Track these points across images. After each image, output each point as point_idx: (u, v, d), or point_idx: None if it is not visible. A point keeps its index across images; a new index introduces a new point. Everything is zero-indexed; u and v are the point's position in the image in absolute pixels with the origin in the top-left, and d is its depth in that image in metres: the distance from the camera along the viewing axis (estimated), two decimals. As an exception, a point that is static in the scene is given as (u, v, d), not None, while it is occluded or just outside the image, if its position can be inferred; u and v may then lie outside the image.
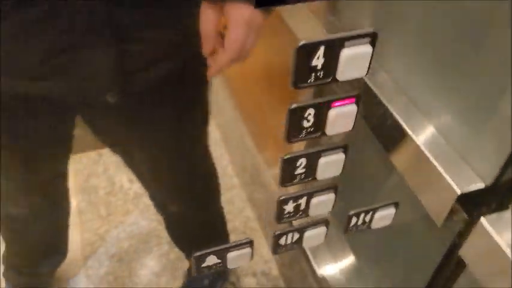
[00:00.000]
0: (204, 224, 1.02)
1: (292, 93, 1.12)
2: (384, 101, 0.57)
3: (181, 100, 0.74)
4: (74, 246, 1.25)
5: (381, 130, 0.59)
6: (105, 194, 1.37)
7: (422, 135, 0.54)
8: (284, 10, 0.86)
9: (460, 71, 0.50)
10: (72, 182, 1.41)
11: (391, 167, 0.67)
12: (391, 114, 0.56)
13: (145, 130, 0.75)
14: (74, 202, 1.36)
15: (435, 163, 0.51)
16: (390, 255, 0.79)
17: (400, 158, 0.57)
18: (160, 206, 0.98)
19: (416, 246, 0.69)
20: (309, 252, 0.99)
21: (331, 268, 0.95)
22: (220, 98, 1.48)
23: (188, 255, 1.14)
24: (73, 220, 1.32)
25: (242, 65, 1.34)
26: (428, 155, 0.52)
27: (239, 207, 1.36)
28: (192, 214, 0.98)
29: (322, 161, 0.34)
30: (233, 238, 1.30)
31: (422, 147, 0.52)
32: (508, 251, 0.44)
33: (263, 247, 1.27)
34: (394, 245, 0.77)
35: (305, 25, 0.75)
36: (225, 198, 1.39)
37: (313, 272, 0.96)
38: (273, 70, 1.09)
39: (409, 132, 0.54)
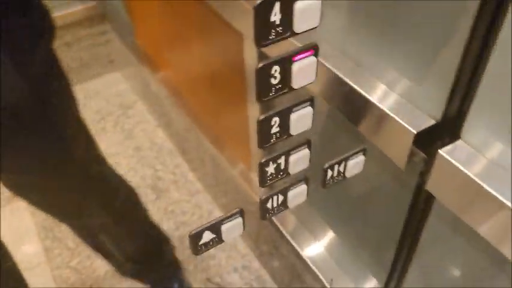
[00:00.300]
0: (135, 239, 1.01)
1: (237, 88, 1.14)
2: (332, 68, 0.61)
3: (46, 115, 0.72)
4: (47, 285, 1.20)
5: (336, 96, 0.63)
6: (69, 227, 1.33)
7: (375, 93, 0.58)
8: (221, 7, 0.88)
9: (396, 30, 0.54)
10: (32, 223, 1.36)
11: (350, 129, 0.71)
12: (341, 80, 0.60)
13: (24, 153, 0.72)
14: (37, 243, 1.31)
15: (389, 113, 0.55)
16: (366, 219, 0.83)
17: (358, 118, 0.61)
18: (85, 235, 0.96)
19: (387, 201, 0.74)
20: (288, 236, 1.01)
21: (315, 248, 0.98)
22: (168, 108, 1.48)
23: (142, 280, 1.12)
24: (39, 260, 1.28)
25: (185, 69, 1.35)
26: (382, 107, 0.56)
27: (208, 210, 1.36)
28: (115, 233, 0.97)
29: (294, 116, 0.36)
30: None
31: (376, 102, 0.56)
32: (468, 173, 0.48)
33: (239, 243, 1.28)
34: (368, 208, 0.81)
35: (245, 20, 0.78)
36: (191, 205, 1.39)
37: (297, 254, 0.99)
38: (215, 69, 1.11)
39: (362, 92, 0.58)
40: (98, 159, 0.88)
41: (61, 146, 0.76)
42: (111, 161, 1.53)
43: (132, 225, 1.00)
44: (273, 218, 1.06)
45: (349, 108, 0.61)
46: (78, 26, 1.61)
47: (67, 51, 1.65)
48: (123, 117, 1.67)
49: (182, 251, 1.28)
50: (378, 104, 0.56)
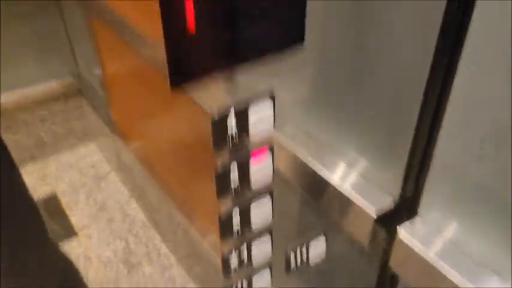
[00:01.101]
0: None
1: (206, 161, 1.16)
2: (295, 152, 0.64)
3: None
4: None
5: (300, 179, 0.66)
6: None
7: (336, 175, 0.61)
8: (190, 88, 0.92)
9: (354, 114, 0.58)
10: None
11: (312, 211, 0.73)
12: (304, 163, 0.63)
13: None
14: None
15: (351, 193, 0.58)
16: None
17: (320, 199, 0.64)
18: None
19: (356, 281, 0.74)
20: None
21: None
22: (141, 180, 1.49)
23: None
24: None
25: (157, 143, 1.37)
26: (344, 188, 0.58)
27: (181, 283, 1.34)
28: None
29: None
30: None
31: (338, 184, 0.59)
32: (423, 250, 0.50)
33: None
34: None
35: (209, 95, 0.82)
36: (165, 279, 1.36)
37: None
38: (185, 142, 1.13)
39: (324, 174, 0.61)
40: (49, 245, 0.87)
41: (15, 232, 0.75)
42: (83, 234, 1.51)
43: None
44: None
45: (312, 190, 0.64)
46: (55, 101, 1.64)
47: (41, 127, 1.66)
48: (96, 189, 1.66)
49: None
50: (340, 186, 0.59)
